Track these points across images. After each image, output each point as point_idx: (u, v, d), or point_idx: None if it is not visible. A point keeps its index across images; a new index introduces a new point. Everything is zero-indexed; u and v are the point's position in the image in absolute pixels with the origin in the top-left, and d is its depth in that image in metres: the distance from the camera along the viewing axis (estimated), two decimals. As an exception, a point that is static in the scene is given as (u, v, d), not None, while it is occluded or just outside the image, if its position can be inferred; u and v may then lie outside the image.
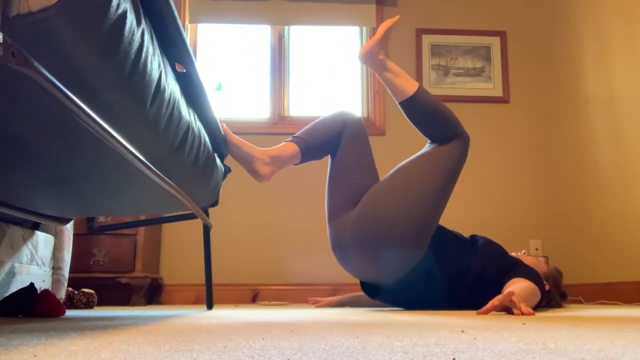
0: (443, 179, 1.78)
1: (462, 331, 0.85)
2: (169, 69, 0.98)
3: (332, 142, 1.91)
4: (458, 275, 1.78)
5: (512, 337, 0.75)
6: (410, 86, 1.83)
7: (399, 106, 1.89)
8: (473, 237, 1.91)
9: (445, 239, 1.86)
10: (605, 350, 0.59)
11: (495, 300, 1.44)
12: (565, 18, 3.29)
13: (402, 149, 3.33)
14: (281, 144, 1.87)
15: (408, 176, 1.79)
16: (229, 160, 2.03)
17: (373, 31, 3.49)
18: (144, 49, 0.79)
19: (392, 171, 1.84)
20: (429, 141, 1.88)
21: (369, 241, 1.74)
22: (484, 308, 1.45)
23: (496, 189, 3.38)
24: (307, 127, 1.92)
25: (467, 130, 1.86)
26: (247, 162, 1.81)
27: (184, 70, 1.13)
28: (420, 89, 1.84)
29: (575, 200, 3.13)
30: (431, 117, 1.83)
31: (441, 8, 3.56)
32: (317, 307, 2.27)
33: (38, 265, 1.82)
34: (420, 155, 1.84)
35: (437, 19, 3.55)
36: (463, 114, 3.42)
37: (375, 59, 1.86)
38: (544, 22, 3.56)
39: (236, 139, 1.81)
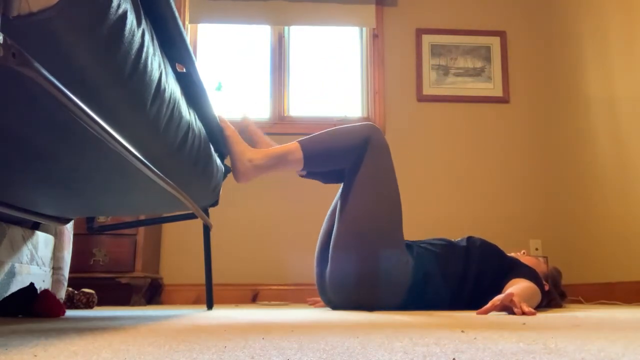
0: (389, 188, 1.76)
1: (462, 331, 0.85)
2: (169, 69, 0.98)
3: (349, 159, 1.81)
4: (457, 277, 1.78)
5: (512, 337, 0.75)
6: (295, 153, 1.73)
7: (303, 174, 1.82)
8: (469, 238, 1.91)
9: (442, 243, 1.87)
10: (605, 350, 0.59)
11: (496, 300, 1.44)
12: (565, 18, 3.29)
13: (402, 149, 3.34)
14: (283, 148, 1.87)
15: (361, 220, 1.73)
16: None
17: (373, 31, 3.50)
18: (144, 49, 0.79)
19: (337, 222, 1.77)
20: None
21: (351, 298, 1.76)
22: (484, 308, 1.45)
23: (496, 188, 3.38)
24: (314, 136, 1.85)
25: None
26: (233, 159, 1.78)
27: (184, 70, 1.14)
28: (304, 145, 1.74)
29: (575, 200, 3.13)
30: (333, 155, 1.75)
31: (441, 8, 3.56)
32: (316, 307, 2.27)
33: (38, 265, 1.82)
34: (357, 188, 1.75)
35: (437, 19, 3.55)
36: (463, 114, 3.43)
37: (254, 172, 1.72)
38: (544, 22, 3.56)
39: (232, 131, 1.78)
